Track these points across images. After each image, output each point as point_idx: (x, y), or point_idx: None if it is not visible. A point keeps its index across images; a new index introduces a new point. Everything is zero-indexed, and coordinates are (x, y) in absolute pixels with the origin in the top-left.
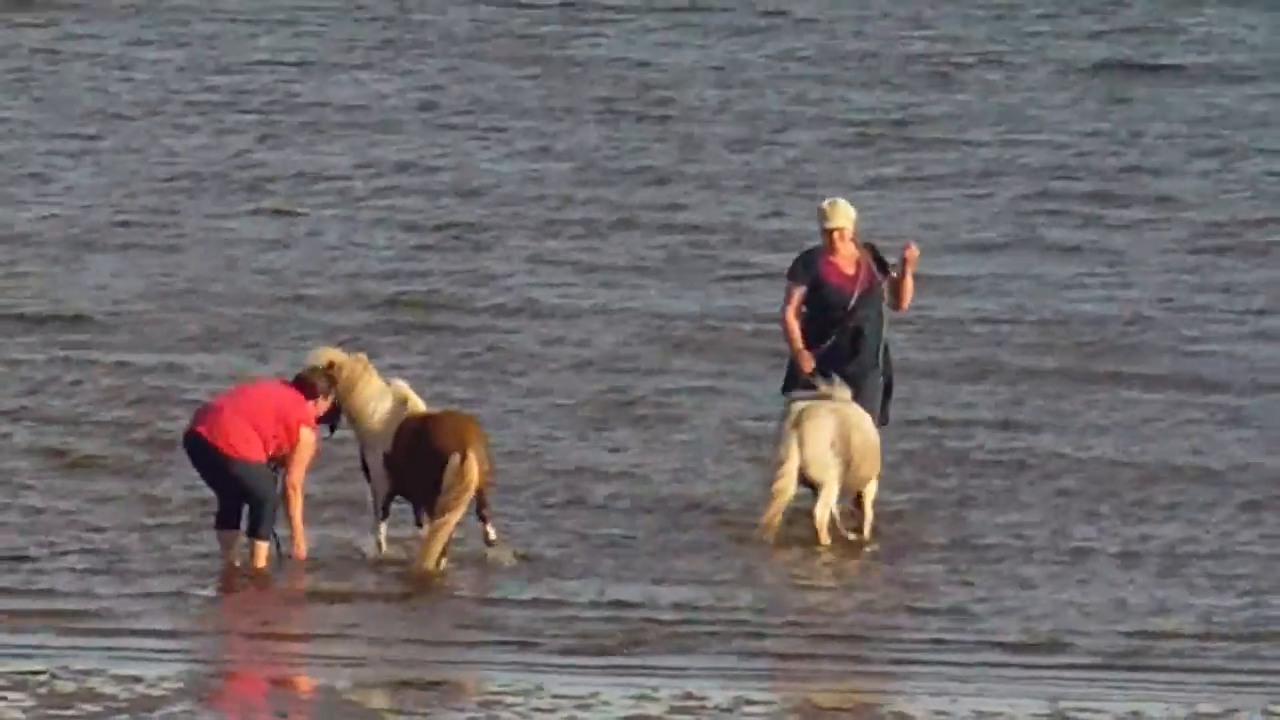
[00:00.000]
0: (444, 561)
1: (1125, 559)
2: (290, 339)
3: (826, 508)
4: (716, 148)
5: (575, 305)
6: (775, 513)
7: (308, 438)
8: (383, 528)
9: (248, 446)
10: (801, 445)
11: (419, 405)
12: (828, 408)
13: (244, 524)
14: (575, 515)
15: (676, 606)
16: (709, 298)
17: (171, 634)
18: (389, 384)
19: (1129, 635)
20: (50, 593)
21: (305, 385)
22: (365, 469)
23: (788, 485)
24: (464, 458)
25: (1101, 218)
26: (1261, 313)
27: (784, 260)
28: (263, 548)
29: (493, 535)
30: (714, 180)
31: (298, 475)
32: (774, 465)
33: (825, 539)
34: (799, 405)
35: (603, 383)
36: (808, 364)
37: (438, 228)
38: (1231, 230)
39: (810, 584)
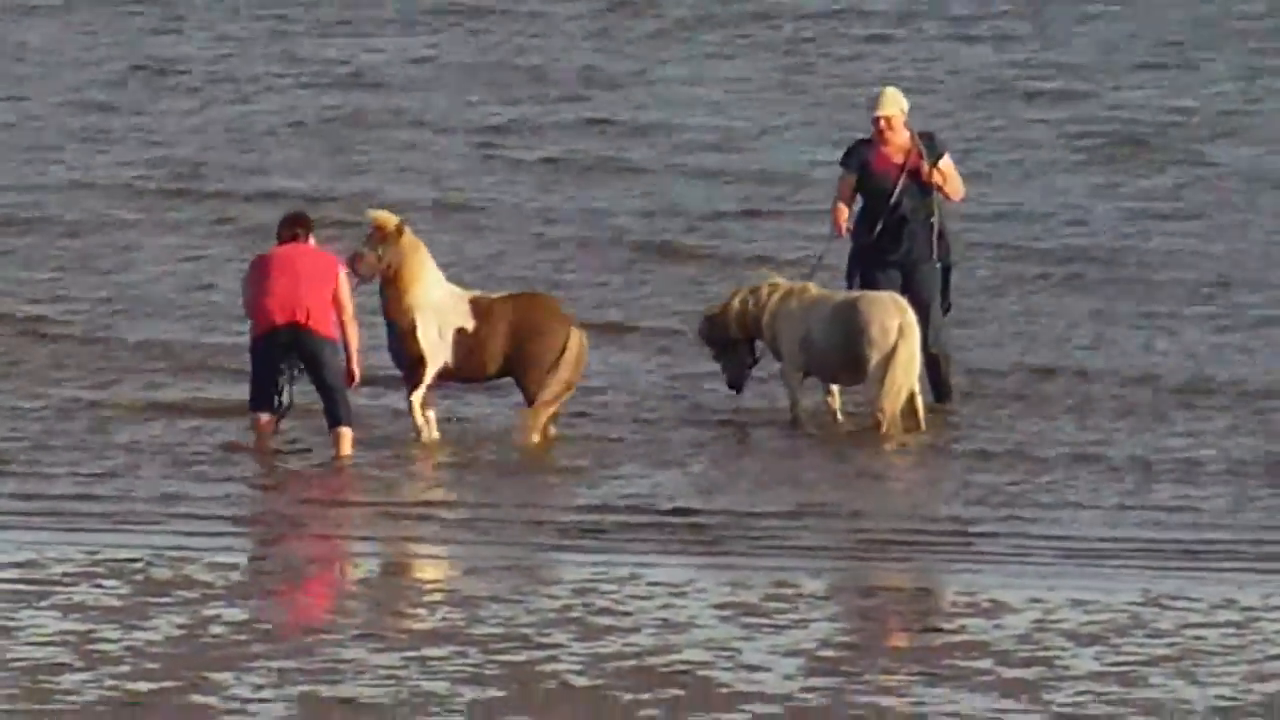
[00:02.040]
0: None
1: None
2: None
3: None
4: None
5: None
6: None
7: (344, 277)
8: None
9: (332, 327)
10: (910, 342)
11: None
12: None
13: (329, 411)
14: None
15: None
16: None
17: (256, 520)
18: None
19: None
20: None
21: (305, 230)
22: (408, 345)
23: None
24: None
25: None
26: None
27: None
28: (350, 433)
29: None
30: None
31: (351, 309)
32: (893, 364)
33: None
34: (891, 300)
35: None
36: (840, 227)
37: None
38: None
39: (892, 478)
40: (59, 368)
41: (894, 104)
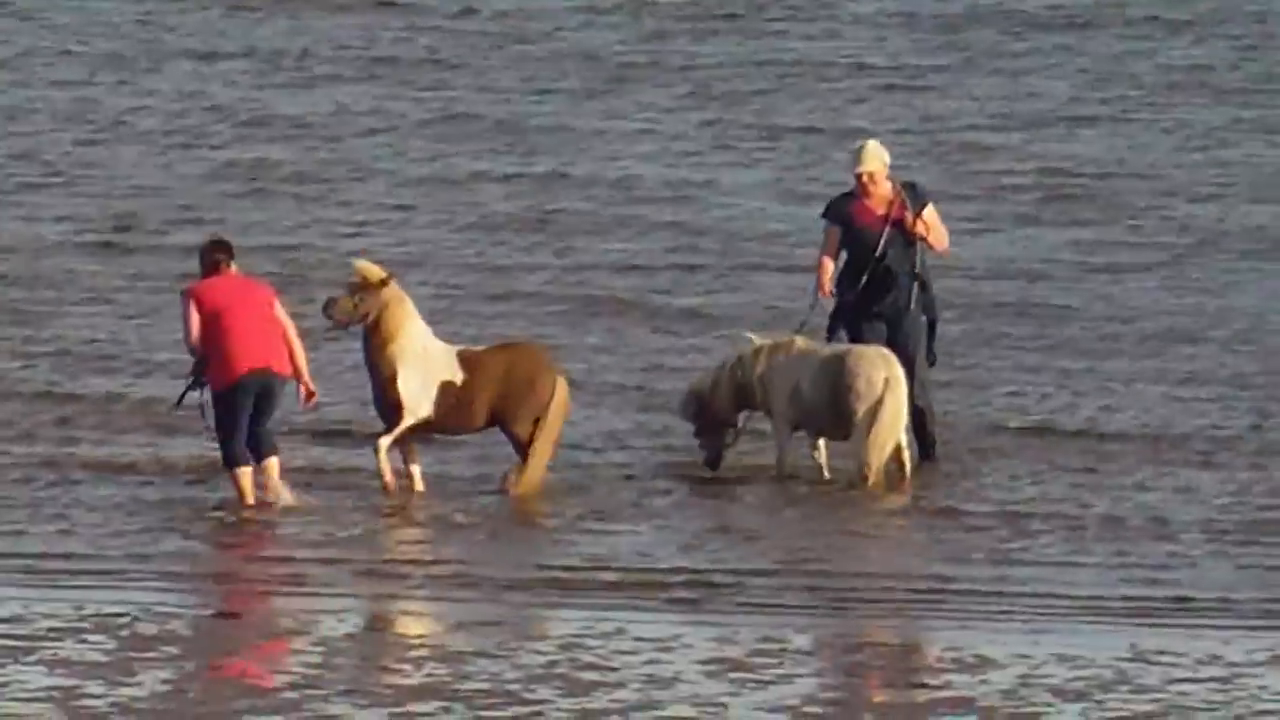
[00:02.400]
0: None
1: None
2: None
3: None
4: None
5: None
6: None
7: (278, 301)
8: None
9: (288, 363)
10: (896, 395)
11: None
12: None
13: (262, 444)
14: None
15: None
16: None
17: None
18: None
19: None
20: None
21: (229, 256)
22: (387, 393)
23: (899, 434)
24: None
25: None
26: None
27: None
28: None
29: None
30: None
31: (294, 327)
32: (880, 417)
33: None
34: (878, 354)
35: None
36: (824, 289)
37: None
38: None
39: (878, 535)
40: (8, 425)
41: (876, 158)
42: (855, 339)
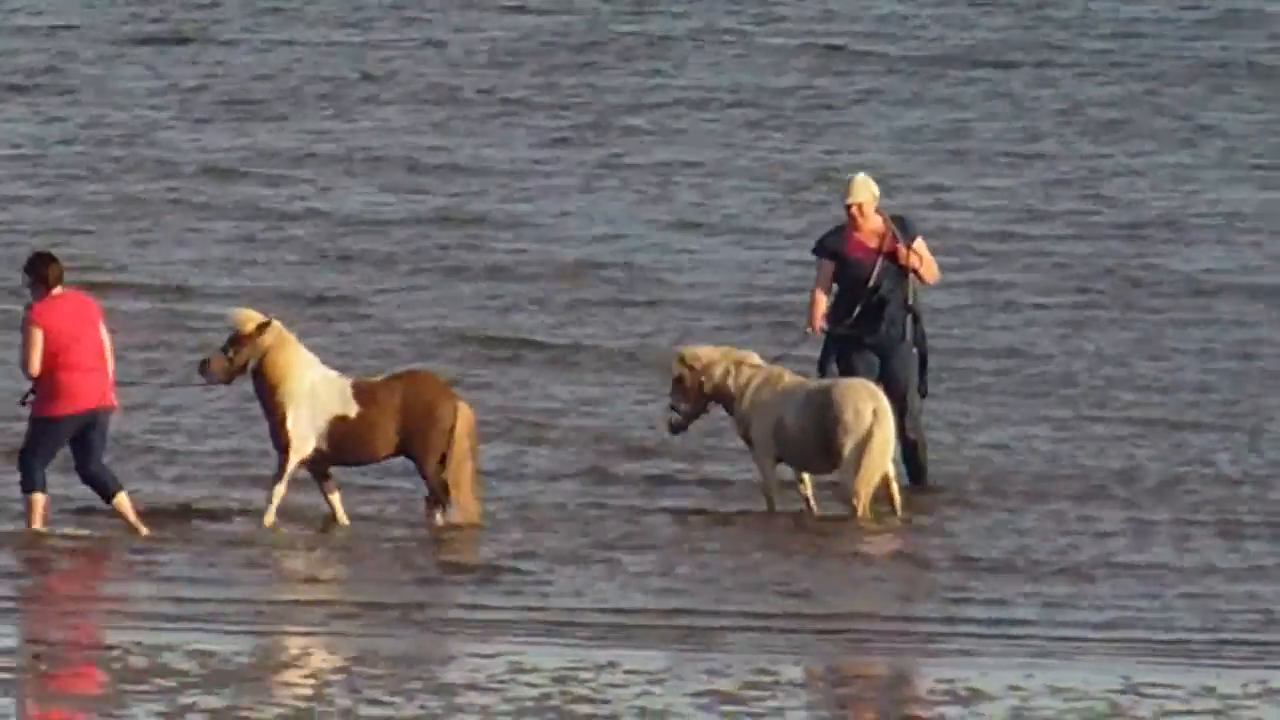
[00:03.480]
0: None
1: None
2: None
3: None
4: None
5: None
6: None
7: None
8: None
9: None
10: (884, 427)
11: (332, 372)
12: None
13: (109, 482)
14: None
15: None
16: None
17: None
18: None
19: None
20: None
21: (60, 270)
22: (279, 434)
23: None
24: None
25: None
26: None
27: None
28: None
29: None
30: None
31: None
32: (869, 449)
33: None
34: (864, 386)
35: None
36: (814, 325)
37: None
38: None
39: (874, 567)
40: None
41: (865, 190)
42: (847, 371)
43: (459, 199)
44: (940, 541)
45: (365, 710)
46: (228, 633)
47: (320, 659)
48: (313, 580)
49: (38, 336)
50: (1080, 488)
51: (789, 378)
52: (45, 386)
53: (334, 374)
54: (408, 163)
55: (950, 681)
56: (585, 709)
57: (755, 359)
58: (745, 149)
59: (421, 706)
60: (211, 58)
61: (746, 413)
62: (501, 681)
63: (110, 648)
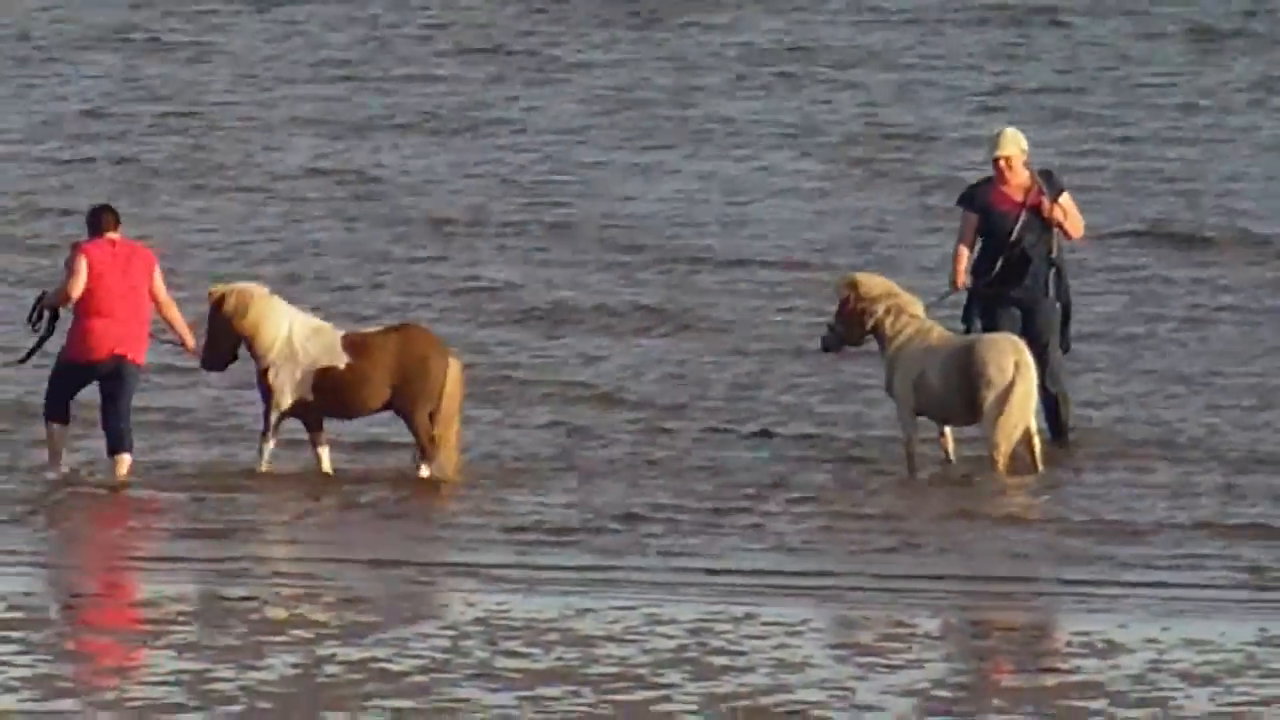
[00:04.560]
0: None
1: None
2: None
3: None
4: None
5: None
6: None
7: (158, 271)
8: (272, 443)
9: (144, 352)
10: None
11: (327, 326)
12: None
13: (120, 434)
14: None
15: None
16: None
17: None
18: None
19: None
20: None
21: (117, 219)
22: (260, 387)
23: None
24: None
25: None
26: None
27: None
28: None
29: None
30: None
31: (167, 294)
32: (1010, 403)
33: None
34: (1007, 340)
35: None
36: (959, 280)
37: None
38: None
39: (1005, 523)
40: None
41: (1014, 144)
42: (990, 325)
43: None
44: (1080, 498)
45: (502, 662)
46: (361, 585)
47: (457, 612)
48: (434, 539)
49: (81, 265)
50: (1215, 447)
51: (938, 332)
52: (71, 329)
53: (326, 326)
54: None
55: (1087, 634)
56: (722, 660)
57: (917, 308)
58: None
59: (558, 658)
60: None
61: (891, 361)
62: (639, 633)
63: (248, 598)
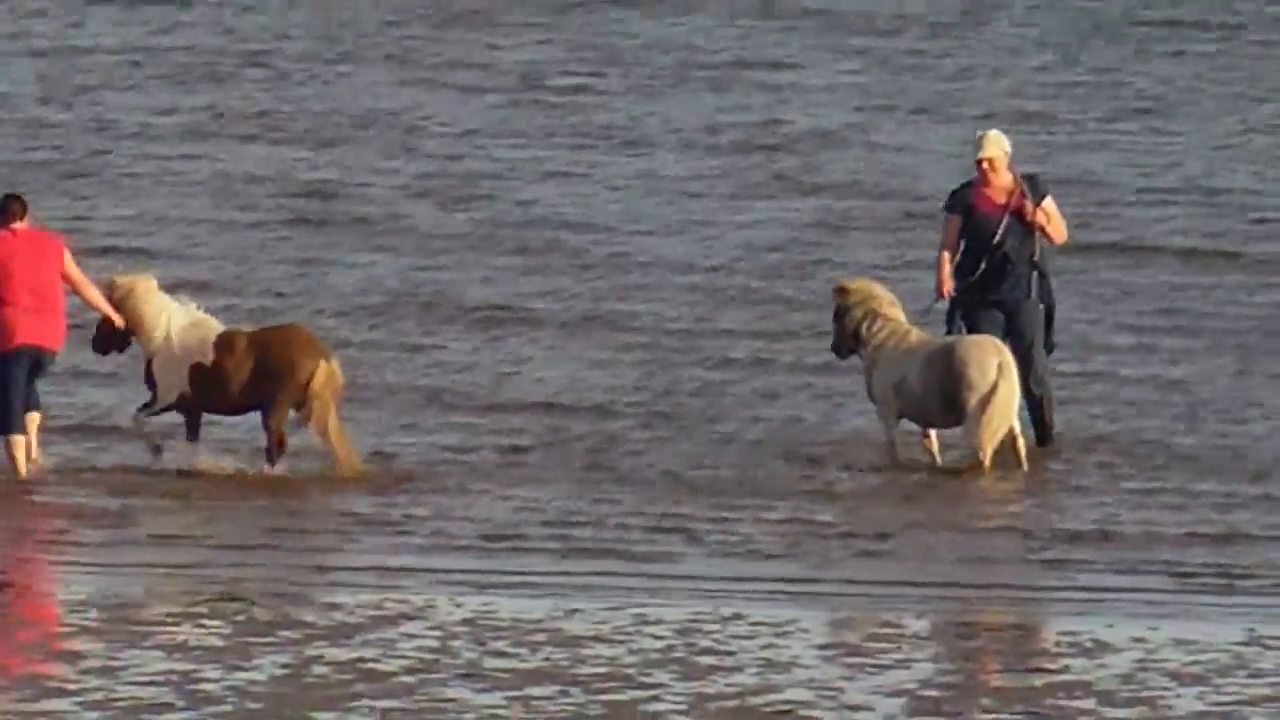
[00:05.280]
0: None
1: None
2: None
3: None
4: None
5: None
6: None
7: (69, 255)
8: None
9: (62, 337)
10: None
11: (212, 321)
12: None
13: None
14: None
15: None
16: None
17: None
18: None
19: None
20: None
21: (24, 208)
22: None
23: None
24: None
25: None
26: None
27: None
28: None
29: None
30: None
31: (82, 276)
32: (993, 403)
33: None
34: (989, 342)
35: None
36: (944, 289)
37: None
38: None
39: (1000, 519)
40: None
41: (997, 146)
42: (973, 328)
43: None
44: (1063, 500)
45: (490, 662)
46: (351, 587)
47: (444, 613)
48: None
49: None
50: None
51: (915, 335)
52: None
53: (207, 320)
54: None
55: (1075, 634)
56: (709, 660)
57: (897, 312)
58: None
59: (546, 658)
60: None
61: (869, 364)
62: (626, 633)
63: (235, 599)
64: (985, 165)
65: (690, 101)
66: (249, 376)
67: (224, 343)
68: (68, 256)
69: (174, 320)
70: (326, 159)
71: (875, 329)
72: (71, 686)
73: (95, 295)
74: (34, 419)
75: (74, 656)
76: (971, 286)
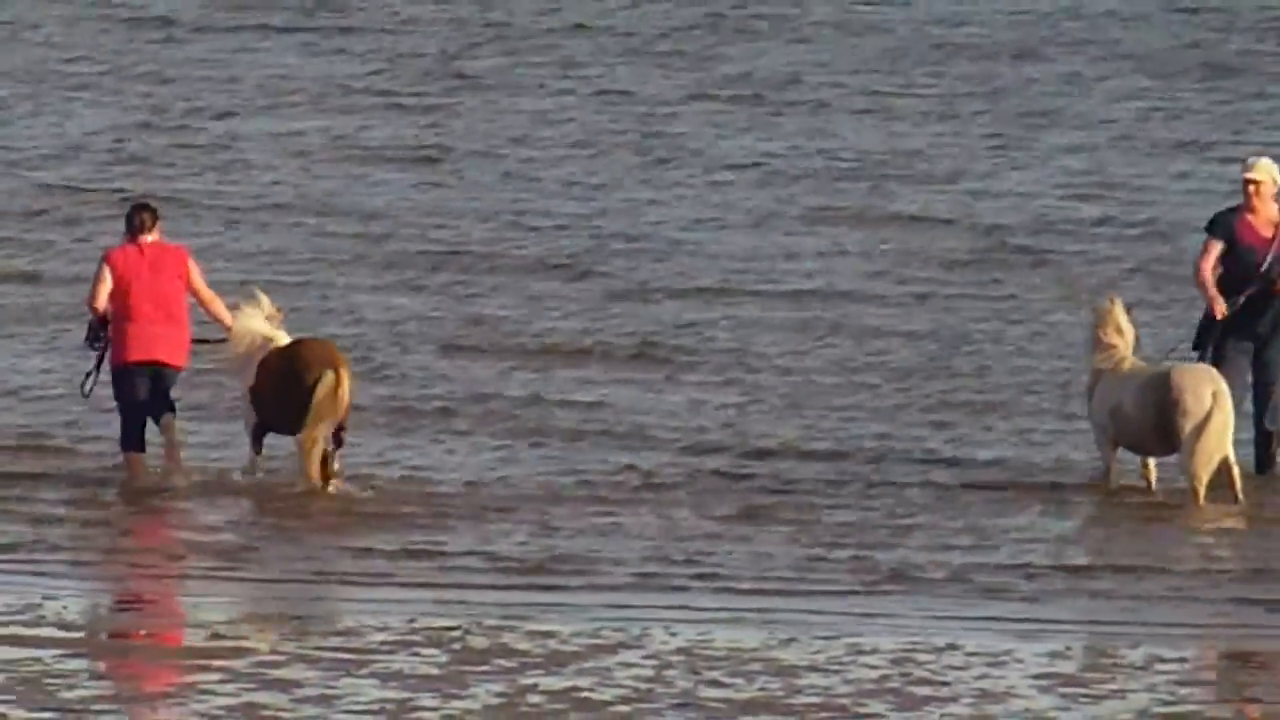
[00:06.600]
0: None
1: None
2: None
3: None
4: None
5: None
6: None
7: (193, 264)
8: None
9: (186, 355)
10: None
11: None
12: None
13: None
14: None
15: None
16: None
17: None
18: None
19: None
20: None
21: (154, 218)
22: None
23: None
24: (338, 375)
25: None
26: None
27: None
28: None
29: (337, 465)
30: None
31: (207, 289)
32: (1206, 432)
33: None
34: (1204, 370)
35: None
36: (1218, 309)
37: None
38: None
39: (1215, 545)
40: None
41: (1266, 171)
42: (1220, 355)
43: None
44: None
45: (705, 692)
46: (564, 612)
47: (659, 641)
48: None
49: (104, 273)
50: None
51: (1130, 362)
52: (110, 335)
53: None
54: None
55: None
56: (925, 690)
57: (1122, 340)
58: None
59: (761, 688)
60: None
61: (1089, 390)
62: (841, 663)
63: (450, 628)
64: (1251, 187)
65: None
66: (277, 395)
67: (264, 361)
68: (193, 268)
69: (244, 339)
70: None
71: (1099, 354)
72: (286, 715)
73: (223, 310)
74: (170, 423)
75: (289, 685)
76: (1229, 317)
